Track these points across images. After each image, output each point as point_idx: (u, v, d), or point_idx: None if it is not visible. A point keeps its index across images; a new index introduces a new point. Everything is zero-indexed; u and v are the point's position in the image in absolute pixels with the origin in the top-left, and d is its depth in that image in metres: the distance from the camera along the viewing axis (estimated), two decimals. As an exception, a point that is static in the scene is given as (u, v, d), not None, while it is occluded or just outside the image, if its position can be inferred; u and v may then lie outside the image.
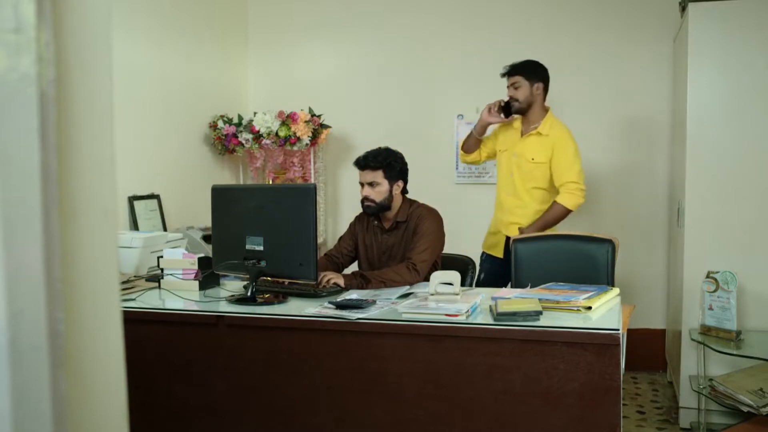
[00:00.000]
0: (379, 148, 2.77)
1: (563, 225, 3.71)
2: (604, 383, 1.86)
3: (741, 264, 3.07)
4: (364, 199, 2.72)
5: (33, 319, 0.61)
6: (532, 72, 3.14)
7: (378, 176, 2.68)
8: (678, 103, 3.60)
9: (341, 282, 2.48)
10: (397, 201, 2.75)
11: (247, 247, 2.39)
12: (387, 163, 2.69)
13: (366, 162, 2.71)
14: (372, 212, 2.74)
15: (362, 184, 2.72)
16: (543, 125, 3.11)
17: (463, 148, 3.41)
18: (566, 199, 3.02)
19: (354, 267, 2.90)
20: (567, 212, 3.06)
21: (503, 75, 3.20)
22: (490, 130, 3.35)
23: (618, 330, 1.89)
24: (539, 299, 2.11)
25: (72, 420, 0.67)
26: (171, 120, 3.79)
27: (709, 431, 3.11)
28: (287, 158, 4.25)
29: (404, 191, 2.78)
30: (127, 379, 0.80)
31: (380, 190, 2.69)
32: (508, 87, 3.18)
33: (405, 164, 2.78)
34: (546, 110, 3.18)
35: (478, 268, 3.07)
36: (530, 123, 3.15)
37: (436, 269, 2.61)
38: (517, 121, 3.23)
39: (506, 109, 3.19)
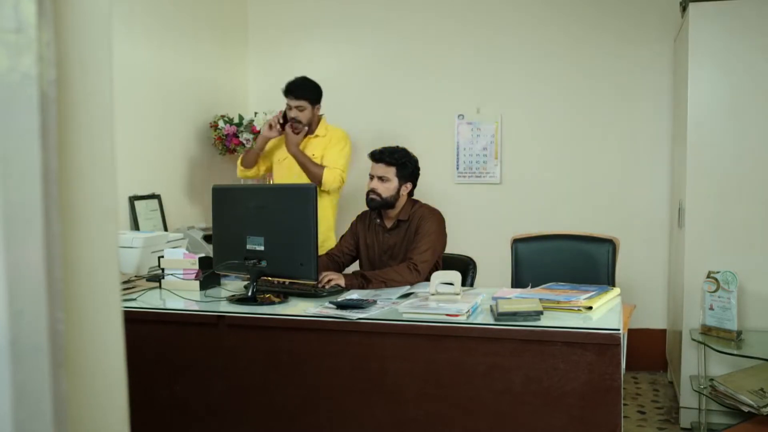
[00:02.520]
0: (398, 146, 2.81)
1: (564, 224, 3.71)
2: (605, 383, 1.86)
3: (742, 264, 3.07)
4: (370, 191, 2.73)
5: (34, 319, 0.61)
6: (316, 97, 3.40)
7: (390, 172, 2.70)
8: (678, 103, 3.60)
9: (342, 282, 2.48)
10: (401, 201, 2.76)
11: (248, 247, 2.39)
12: (402, 162, 2.72)
13: (382, 156, 2.73)
14: (375, 206, 2.74)
15: (372, 177, 2.74)
16: (319, 129, 3.42)
17: (243, 163, 3.56)
18: (328, 173, 3.30)
19: (355, 266, 2.90)
20: (320, 179, 3.28)
21: (286, 94, 3.36)
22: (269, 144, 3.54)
23: (618, 330, 1.89)
24: (540, 299, 2.11)
25: (72, 420, 0.67)
26: (171, 120, 3.79)
27: (710, 431, 3.11)
28: (288, 158, 4.24)
29: (410, 194, 2.80)
30: (128, 379, 0.80)
31: (389, 186, 2.70)
32: (291, 107, 3.34)
33: (418, 169, 2.81)
34: (320, 118, 3.47)
35: None
36: (310, 131, 3.43)
37: (437, 269, 2.61)
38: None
39: (283, 123, 3.38)
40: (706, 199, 3.17)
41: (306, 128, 3.37)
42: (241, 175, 3.64)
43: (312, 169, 3.31)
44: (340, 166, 3.33)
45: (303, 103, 3.34)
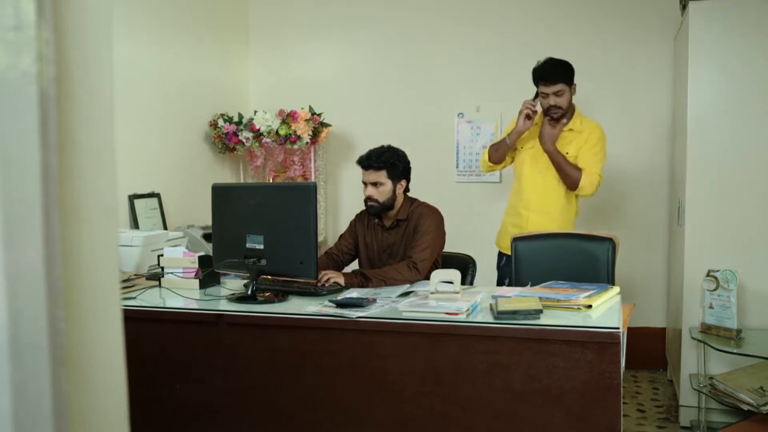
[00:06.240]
0: (383, 146, 2.75)
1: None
2: (605, 382, 1.86)
3: (741, 262, 3.07)
4: (368, 199, 2.70)
5: (34, 318, 0.61)
6: (572, 77, 3.06)
7: (381, 176, 2.67)
8: (678, 102, 3.60)
9: (341, 281, 2.48)
10: (399, 200, 2.75)
11: (248, 245, 2.39)
12: (391, 162, 2.68)
13: (369, 162, 2.68)
14: (375, 212, 2.73)
15: (365, 184, 2.71)
16: (573, 121, 3.10)
17: (491, 159, 3.23)
18: (586, 178, 3.04)
19: (354, 265, 2.90)
20: (576, 184, 3.04)
21: (539, 81, 3.05)
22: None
23: (618, 328, 1.89)
24: (539, 297, 2.11)
25: (72, 418, 0.67)
26: (171, 118, 3.79)
27: (710, 429, 3.11)
28: (288, 157, 4.25)
29: (406, 190, 2.78)
30: (128, 378, 0.80)
31: (383, 190, 2.68)
32: (545, 94, 3.03)
33: (408, 163, 2.76)
34: (573, 107, 3.13)
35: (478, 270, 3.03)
36: (560, 121, 3.09)
37: (437, 268, 2.60)
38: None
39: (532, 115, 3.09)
40: (706, 197, 3.17)
41: (564, 120, 3.06)
42: (486, 169, 3.35)
43: (569, 171, 3.02)
44: (597, 171, 3.04)
45: (561, 87, 2.98)
